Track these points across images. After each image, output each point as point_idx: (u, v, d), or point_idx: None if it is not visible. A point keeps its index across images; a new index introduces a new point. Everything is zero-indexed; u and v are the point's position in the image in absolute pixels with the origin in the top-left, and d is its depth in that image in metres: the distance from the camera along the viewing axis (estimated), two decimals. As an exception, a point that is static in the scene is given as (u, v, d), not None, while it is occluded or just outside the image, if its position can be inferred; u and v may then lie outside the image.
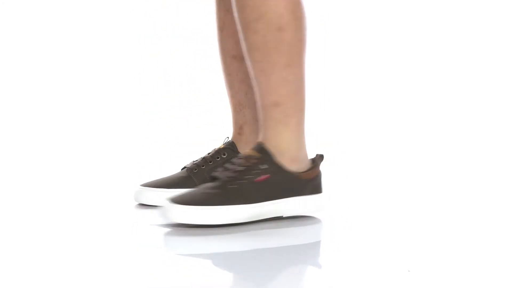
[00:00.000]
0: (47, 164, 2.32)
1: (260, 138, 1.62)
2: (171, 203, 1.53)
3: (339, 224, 1.64)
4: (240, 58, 1.79)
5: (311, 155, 1.67)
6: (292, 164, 1.61)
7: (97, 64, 3.20)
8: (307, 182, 1.62)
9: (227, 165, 1.61)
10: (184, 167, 1.79)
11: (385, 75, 3.22)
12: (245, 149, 1.80)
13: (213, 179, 1.59)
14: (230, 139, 1.79)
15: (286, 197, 1.60)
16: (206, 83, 2.97)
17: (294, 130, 1.61)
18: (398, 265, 1.35)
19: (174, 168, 1.86)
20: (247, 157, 1.60)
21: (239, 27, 1.60)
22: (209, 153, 1.79)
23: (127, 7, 3.29)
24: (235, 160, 1.61)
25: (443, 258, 1.38)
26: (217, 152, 1.77)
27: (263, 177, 1.58)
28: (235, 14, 1.60)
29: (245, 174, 1.58)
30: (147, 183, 1.76)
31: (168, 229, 1.55)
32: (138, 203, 1.77)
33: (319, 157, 1.65)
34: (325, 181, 1.69)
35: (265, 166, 1.58)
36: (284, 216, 1.62)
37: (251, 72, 1.61)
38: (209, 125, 2.72)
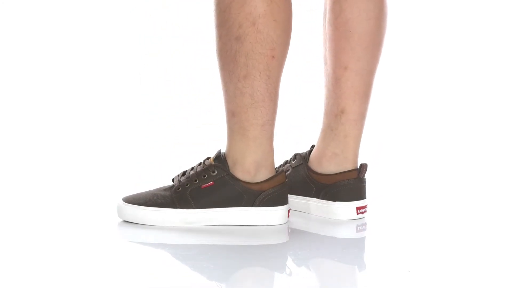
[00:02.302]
0: (45, 163, 2.32)
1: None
2: (121, 201, 1.61)
3: (339, 224, 1.64)
4: None
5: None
6: (245, 175, 1.59)
7: (97, 64, 3.20)
8: (260, 193, 1.59)
9: (187, 170, 1.63)
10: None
11: (385, 76, 3.22)
12: None
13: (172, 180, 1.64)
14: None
15: (229, 206, 1.59)
16: (206, 83, 2.97)
17: (251, 143, 1.58)
18: (398, 265, 1.35)
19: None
20: (204, 164, 1.61)
21: None
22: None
23: (127, 7, 3.29)
24: (195, 165, 1.63)
25: (443, 258, 1.38)
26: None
27: (208, 184, 1.59)
28: None
29: (194, 180, 1.60)
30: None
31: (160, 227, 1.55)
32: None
33: (284, 171, 1.62)
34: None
35: (214, 173, 1.59)
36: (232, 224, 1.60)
37: None
38: (209, 125, 2.72)
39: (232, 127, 1.59)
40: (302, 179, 1.70)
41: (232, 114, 1.58)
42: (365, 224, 1.64)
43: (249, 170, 1.59)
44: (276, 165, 1.77)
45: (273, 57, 1.54)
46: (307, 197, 1.70)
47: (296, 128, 2.73)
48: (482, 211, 1.78)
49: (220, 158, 1.60)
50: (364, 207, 1.66)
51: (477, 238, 1.54)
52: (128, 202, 1.60)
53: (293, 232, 1.57)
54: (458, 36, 3.28)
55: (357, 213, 1.65)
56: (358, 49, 1.64)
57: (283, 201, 1.60)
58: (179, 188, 1.60)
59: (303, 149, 1.78)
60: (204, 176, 1.59)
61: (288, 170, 1.72)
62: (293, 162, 1.74)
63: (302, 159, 1.72)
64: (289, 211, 1.62)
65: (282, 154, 1.80)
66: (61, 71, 3.17)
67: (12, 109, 2.97)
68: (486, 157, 2.49)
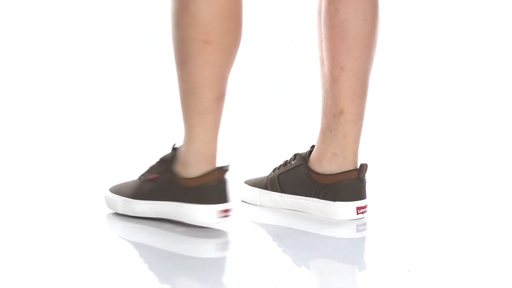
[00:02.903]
0: (45, 163, 2.32)
1: None
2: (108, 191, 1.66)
3: (339, 224, 1.64)
4: None
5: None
6: (184, 169, 1.57)
7: (97, 64, 3.20)
8: (189, 189, 1.54)
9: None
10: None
11: (385, 76, 3.22)
12: None
13: None
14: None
15: (166, 200, 1.57)
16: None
17: (190, 133, 1.56)
18: (398, 265, 1.35)
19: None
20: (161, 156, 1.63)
21: None
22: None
23: (127, 7, 3.29)
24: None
25: (443, 258, 1.38)
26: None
27: (153, 176, 1.59)
28: None
29: (147, 171, 1.61)
30: None
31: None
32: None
33: (223, 169, 1.56)
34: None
35: (162, 166, 1.60)
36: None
37: None
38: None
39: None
40: (302, 179, 1.70)
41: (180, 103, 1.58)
42: (365, 224, 1.64)
43: (188, 162, 1.56)
44: (276, 165, 1.77)
45: (208, 42, 1.52)
46: (307, 197, 1.70)
47: (296, 128, 2.73)
48: (482, 211, 1.78)
49: (172, 150, 1.61)
50: (364, 207, 1.66)
51: (477, 238, 1.54)
52: (114, 193, 1.64)
53: (293, 232, 1.57)
54: (456, 35, 3.28)
55: (357, 213, 1.65)
56: (355, 50, 1.64)
57: (211, 200, 1.53)
58: (139, 179, 1.61)
59: (303, 149, 1.78)
60: (154, 168, 1.60)
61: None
62: (293, 162, 1.74)
63: (302, 159, 1.72)
64: (226, 210, 1.53)
65: (282, 154, 1.79)
66: (61, 71, 3.17)
67: (13, 110, 2.97)
68: (486, 156, 2.49)
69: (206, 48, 1.51)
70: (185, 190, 1.54)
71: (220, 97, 1.55)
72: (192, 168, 1.56)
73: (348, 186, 1.65)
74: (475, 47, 3.26)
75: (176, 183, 1.55)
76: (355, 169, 1.66)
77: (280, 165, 1.78)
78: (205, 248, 1.46)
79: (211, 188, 1.53)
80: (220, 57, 1.53)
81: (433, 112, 3.04)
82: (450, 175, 2.22)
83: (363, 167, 1.66)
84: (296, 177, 1.72)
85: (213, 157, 1.56)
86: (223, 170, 1.55)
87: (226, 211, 1.54)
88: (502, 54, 3.22)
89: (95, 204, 1.77)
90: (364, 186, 1.67)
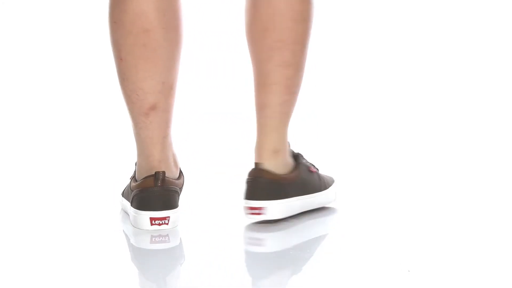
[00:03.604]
0: (43, 164, 2.32)
1: None
2: None
3: (339, 223, 1.64)
4: None
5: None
6: (136, 172, 1.60)
7: (97, 64, 3.20)
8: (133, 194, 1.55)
9: None
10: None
11: (382, 75, 3.22)
12: None
13: None
14: None
15: (128, 201, 1.60)
16: (206, 83, 2.97)
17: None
18: (398, 265, 1.35)
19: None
20: None
21: None
22: None
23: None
24: None
25: (443, 258, 1.39)
26: None
27: (130, 177, 1.64)
28: None
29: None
30: None
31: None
32: None
33: (156, 177, 1.53)
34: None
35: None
36: None
37: None
38: (209, 126, 2.72)
39: None
40: None
41: None
42: (365, 224, 1.64)
43: (137, 165, 1.60)
44: None
45: (121, 59, 1.52)
46: None
47: (297, 128, 2.72)
48: (481, 210, 1.79)
49: None
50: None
51: (477, 237, 1.55)
52: None
53: (292, 232, 1.58)
54: (451, 32, 3.29)
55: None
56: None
57: (143, 207, 1.52)
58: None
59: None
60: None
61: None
62: None
63: None
64: (163, 218, 1.51)
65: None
66: (59, 71, 3.17)
67: (11, 109, 2.98)
68: (484, 156, 2.49)
69: (121, 64, 1.53)
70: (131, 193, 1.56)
71: (148, 111, 1.53)
72: (137, 173, 1.58)
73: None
74: (474, 46, 3.26)
75: (129, 187, 1.61)
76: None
77: None
78: (205, 248, 1.46)
79: (143, 195, 1.53)
80: (136, 72, 1.52)
81: (428, 111, 3.05)
82: (448, 174, 2.23)
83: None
84: None
85: (152, 168, 1.55)
86: (152, 178, 1.53)
87: (162, 218, 1.53)
88: (502, 52, 3.23)
89: (95, 204, 1.77)
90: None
